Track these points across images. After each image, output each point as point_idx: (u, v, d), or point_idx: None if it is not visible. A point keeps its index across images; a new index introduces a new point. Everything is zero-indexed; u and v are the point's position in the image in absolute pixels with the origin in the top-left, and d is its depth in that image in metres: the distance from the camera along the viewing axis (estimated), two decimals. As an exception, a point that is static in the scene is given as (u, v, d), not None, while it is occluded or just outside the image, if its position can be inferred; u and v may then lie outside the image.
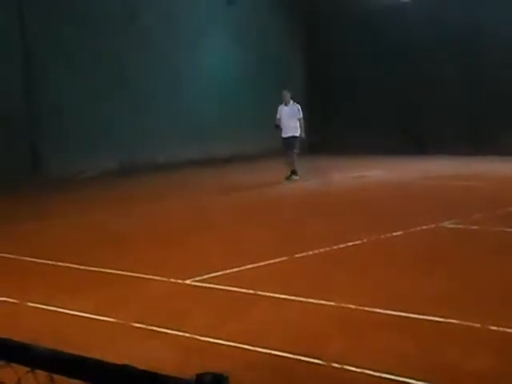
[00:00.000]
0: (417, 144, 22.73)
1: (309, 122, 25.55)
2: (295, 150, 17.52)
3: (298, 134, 17.51)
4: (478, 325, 6.31)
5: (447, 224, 11.24)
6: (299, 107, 17.66)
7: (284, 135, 17.66)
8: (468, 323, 6.36)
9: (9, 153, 18.62)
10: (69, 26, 19.90)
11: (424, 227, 11.04)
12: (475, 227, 10.99)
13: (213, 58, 23.05)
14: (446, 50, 22.65)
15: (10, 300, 7.87)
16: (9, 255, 10.29)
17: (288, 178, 17.42)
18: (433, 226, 11.14)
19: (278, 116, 17.65)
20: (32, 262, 9.81)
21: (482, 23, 21.76)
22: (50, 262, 9.67)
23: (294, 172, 17.55)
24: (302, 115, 17.60)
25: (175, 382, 1.46)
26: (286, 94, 17.76)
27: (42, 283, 8.69)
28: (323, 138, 24.62)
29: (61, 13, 19.77)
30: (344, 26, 24.75)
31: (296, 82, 25.56)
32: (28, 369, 1.69)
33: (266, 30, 24.49)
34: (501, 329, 6.20)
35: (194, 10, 22.72)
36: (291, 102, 17.73)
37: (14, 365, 1.73)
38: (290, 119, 17.53)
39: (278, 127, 17.67)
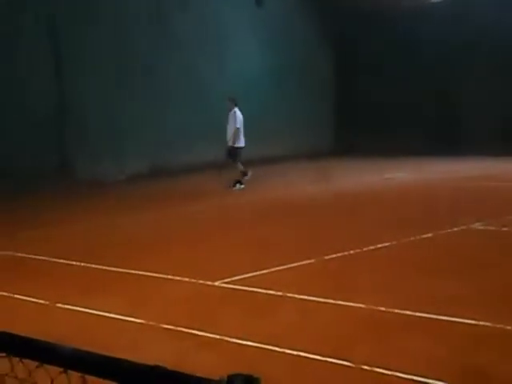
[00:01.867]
0: (443, 145, 22.54)
1: (336, 125, 25.67)
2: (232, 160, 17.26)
3: (231, 144, 17.26)
4: (509, 327, 6.24)
5: (477, 225, 11.13)
6: (235, 114, 17.20)
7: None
8: (500, 325, 6.29)
9: (37, 154, 18.78)
10: (98, 28, 20.04)
11: (454, 229, 10.95)
12: (506, 229, 10.87)
13: (240, 60, 23.09)
14: (475, 51, 22.46)
15: (39, 301, 7.93)
16: (36, 256, 10.37)
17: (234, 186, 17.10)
18: (463, 227, 11.05)
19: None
20: (59, 263, 9.88)
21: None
22: (76, 264, 9.73)
23: (238, 181, 17.20)
24: (237, 124, 17.14)
25: (206, 383, 1.45)
26: (228, 101, 17.36)
27: (72, 284, 8.74)
28: (353, 140, 24.56)
29: (89, 14, 19.92)
30: (372, 27, 24.66)
31: (323, 86, 25.56)
32: (61, 369, 1.69)
33: (294, 32, 24.48)
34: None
35: (222, 11, 22.77)
36: (234, 109, 17.29)
37: (46, 366, 1.74)
38: (229, 127, 17.34)
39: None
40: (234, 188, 17.02)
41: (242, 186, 17.05)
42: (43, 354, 1.76)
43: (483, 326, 6.34)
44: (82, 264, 9.69)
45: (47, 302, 7.87)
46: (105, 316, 7.23)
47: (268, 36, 23.84)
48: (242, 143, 17.23)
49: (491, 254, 9.54)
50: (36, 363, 1.76)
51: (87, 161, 19.79)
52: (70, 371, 1.66)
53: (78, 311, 7.47)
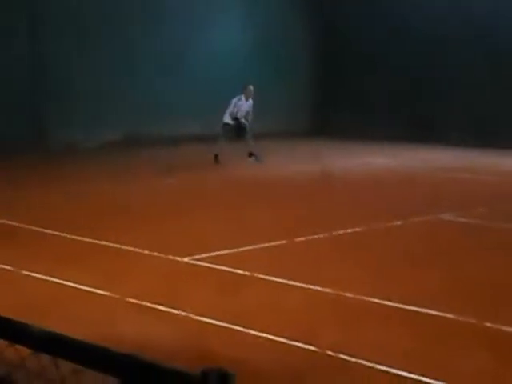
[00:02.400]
0: (422, 133, 22.63)
1: (313, 106, 25.63)
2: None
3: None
4: (474, 321, 6.32)
5: (449, 216, 11.23)
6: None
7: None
8: (464, 319, 6.37)
9: (13, 123, 18.57)
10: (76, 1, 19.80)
11: (425, 218, 11.04)
12: (477, 221, 10.98)
13: (224, 33, 22.91)
14: (461, 42, 22.47)
15: (8, 268, 7.88)
16: (11, 222, 10.29)
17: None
18: (434, 217, 11.14)
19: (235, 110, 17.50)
20: (34, 230, 9.81)
21: (502, 17, 21.62)
22: (49, 232, 9.67)
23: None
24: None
25: (180, 376, 1.44)
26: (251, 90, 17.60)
27: (42, 252, 8.70)
28: (332, 121, 24.54)
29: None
30: (362, 6, 24.55)
31: (303, 63, 25.48)
32: (31, 351, 1.68)
33: (281, 6, 24.32)
34: (496, 326, 6.21)
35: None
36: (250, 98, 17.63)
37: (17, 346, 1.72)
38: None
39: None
40: (250, 159, 17.53)
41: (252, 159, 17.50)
42: (13, 334, 1.74)
43: (449, 317, 6.41)
44: (54, 233, 9.63)
45: (16, 269, 7.81)
46: (73, 287, 7.20)
47: (252, 10, 23.68)
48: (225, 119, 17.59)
49: (459, 245, 9.63)
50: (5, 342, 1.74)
51: (61, 128, 19.59)
52: (42, 353, 1.65)
53: (47, 281, 7.43)
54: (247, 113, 17.55)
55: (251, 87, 17.58)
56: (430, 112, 23.21)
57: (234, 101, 17.45)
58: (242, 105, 17.46)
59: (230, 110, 17.44)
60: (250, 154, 17.69)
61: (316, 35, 25.54)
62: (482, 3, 22.03)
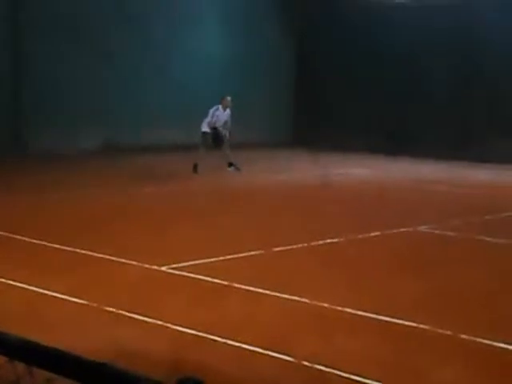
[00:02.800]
0: (401, 144, 22.79)
1: (296, 115, 25.73)
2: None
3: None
4: (449, 332, 6.37)
5: (424, 228, 11.30)
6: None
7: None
8: (440, 330, 6.41)
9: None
10: (62, 3, 19.73)
11: (401, 229, 11.11)
12: (452, 233, 11.06)
13: (202, 44, 22.96)
14: (436, 54, 22.71)
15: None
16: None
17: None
18: (410, 229, 11.21)
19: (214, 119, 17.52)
20: (9, 237, 9.74)
21: (474, 27, 21.86)
22: (26, 239, 9.61)
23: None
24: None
25: (155, 385, 1.45)
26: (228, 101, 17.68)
27: (17, 260, 8.63)
28: (308, 133, 24.67)
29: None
30: (336, 22, 24.74)
31: (286, 73, 25.58)
32: (6, 359, 1.68)
33: (258, 18, 24.42)
34: (471, 337, 6.26)
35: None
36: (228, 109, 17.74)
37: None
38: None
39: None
40: (230, 169, 17.66)
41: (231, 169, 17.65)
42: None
43: (424, 328, 6.45)
44: (30, 240, 9.57)
45: (-10, 277, 7.76)
46: (49, 295, 7.16)
47: (230, 22, 23.75)
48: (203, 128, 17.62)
49: (435, 257, 9.69)
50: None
51: (40, 134, 19.50)
52: (16, 361, 1.66)
53: (22, 288, 7.38)
54: (225, 122, 17.59)
55: (229, 98, 17.68)
56: (405, 124, 23.38)
57: (211, 111, 17.48)
58: (220, 115, 17.49)
59: (208, 119, 17.44)
60: (230, 164, 17.71)
61: (295, 47, 25.67)
62: (455, 18, 22.23)
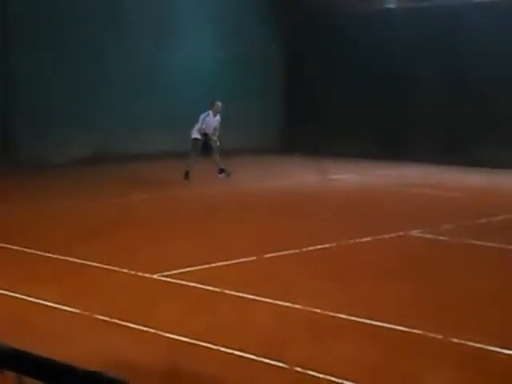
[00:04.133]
0: (390, 150, 22.86)
1: (285, 122, 25.77)
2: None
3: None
4: (440, 336, 6.37)
5: (416, 233, 11.33)
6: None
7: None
8: (431, 334, 6.42)
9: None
10: (51, 12, 19.72)
11: (393, 234, 11.12)
12: (443, 238, 11.08)
13: (193, 51, 22.97)
14: (425, 60, 22.80)
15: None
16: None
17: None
18: (401, 233, 11.23)
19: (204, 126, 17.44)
20: (-2, 246, 9.72)
21: (462, 34, 21.96)
22: (17, 248, 9.58)
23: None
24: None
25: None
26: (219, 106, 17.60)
27: (8, 269, 8.61)
28: (299, 139, 24.72)
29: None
30: (326, 27, 24.80)
31: (276, 80, 25.62)
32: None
33: (249, 25, 24.44)
34: (462, 341, 6.27)
35: (177, 1, 22.63)
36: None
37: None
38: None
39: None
40: (221, 175, 17.57)
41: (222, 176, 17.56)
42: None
43: (416, 333, 6.46)
44: (21, 249, 9.54)
45: (-19, 286, 7.73)
46: (40, 304, 7.14)
47: (221, 29, 23.77)
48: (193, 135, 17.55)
49: (427, 261, 9.71)
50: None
51: (29, 143, 19.45)
52: (6, 371, 1.65)
53: (13, 297, 7.36)
54: (215, 128, 17.48)
55: (219, 103, 17.55)
56: (394, 130, 23.44)
57: (202, 117, 17.38)
58: (210, 121, 17.38)
59: (198, 126, 17.36)
60: (221, 171, 17.65)
61: (287, 53, 25.71)
62: (441, 25, 22.33)
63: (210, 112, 17.41)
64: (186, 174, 17.08)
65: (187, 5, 22.88)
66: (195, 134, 17.41)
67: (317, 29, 25.03)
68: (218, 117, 17.53)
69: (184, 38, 22.78)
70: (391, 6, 23.82)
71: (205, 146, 17.36)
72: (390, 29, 23.28)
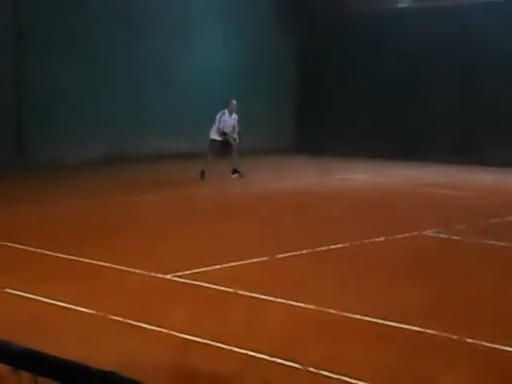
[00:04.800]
0: (402, 150, 22.80)
1: (297, 122, 25.76)
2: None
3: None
4: (455, 336, 6.34)
5: (429, 232, 11.28)
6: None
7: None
8: (446, 334, 6.39)
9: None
10: (64, 13, 19.80)
11: (406, 234, 11.08)
12: (457, 237, 11.04)
13: (205, 54, 23.00)
14: (437, 60, 22.73)
15: (-13, 285, 7.82)
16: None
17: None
18: (415, 233, 11.19)
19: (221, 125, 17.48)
20: (13, 247, 9.74)
21: (476, 34, 21.87)
22: (31, 249, 9.61)
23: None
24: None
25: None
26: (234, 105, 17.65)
27: (23, 270, 8.63)
28: (312, 139, 24.68)
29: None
30: (339, 28, 24.77)
31: (286, 80, 25.61)
32: (11, 368, 1.67)
33: (260, 28, 24.45)
34: (477, 341, 6.23)
35: (189, 4, 22.65)
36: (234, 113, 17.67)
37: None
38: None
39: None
40: (234, 175, 17.65)
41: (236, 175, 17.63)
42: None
43: (430, 333, 6.43)
44: (35, 249, 9.57)
45: (-4, 287, 7.76)
46: (54, 304, 7.16)
47: (233, 32, 23.78)
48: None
49: (441, 262, 9.67)
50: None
51: (43, 144, 19.52)
52: (21, 371, 1.65)
53: (28, 298, 7.38)
54: (233, 127, 17.53)
55: (234, 101, 17.60)
56: (407, 130, 23.38)
57: (218, 116, 17.42)
58: (226, 120, 17.41)
59: (216, 126, 17.39)
60: (234, 171, 17.67)
61: (299, 53, 25.69)
62: (454, 25, 22.22)
63: (226, 111, 17.47)
64: (202, 174, 17.08)
65: (199, 5, 22.90)
66: (213, 135, 17.44)
67: (329, 29, 25.01)
68: (234, 115, 17.57)
69: (196, 39, 22.80)
70: (404, 5, 23.75)
71: (224, 146, 17.40)
72: (403, 28, 23.22)
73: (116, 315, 6.78)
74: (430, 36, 22.70)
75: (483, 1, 22.15)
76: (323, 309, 7.07)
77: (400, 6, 23.84)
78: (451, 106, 22.60)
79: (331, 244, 10.15)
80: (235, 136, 17.56)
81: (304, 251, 9.72)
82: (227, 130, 17.38)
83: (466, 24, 22.07)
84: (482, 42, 21.80)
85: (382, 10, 23.92)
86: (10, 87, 19.07)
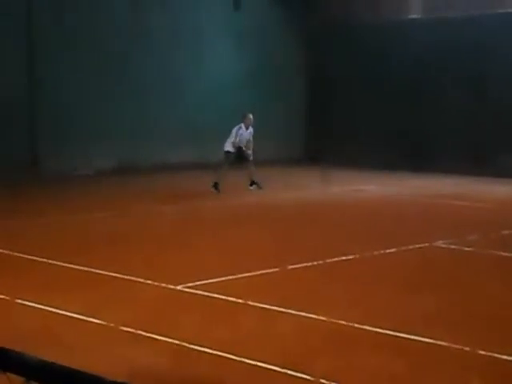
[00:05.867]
0: (415, 160, 22.74)
1: (308, 132, 25.76)
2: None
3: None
4: (467, 348, 6.32)
5: (441, 243, 11.25)
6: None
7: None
8: (457, 346, 6.36)
9: (7, 148, 18.57)
10: (74, 24, 19.91)
11: (417, 245, 11.05)
12: (469, 249, 11.00)
13: (215, 63, 23.07)
14: (449, 70, 22.70)
15: (0, 296, 7.85)
16: (2, 250, 10.25)
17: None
18: (426, 244, 11.16)
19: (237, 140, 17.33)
20: (25, 258, 9.78)
21: (488, 43, 21.83)
22: (43, 260, 9.64)
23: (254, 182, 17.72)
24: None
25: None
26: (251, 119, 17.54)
27: (34, 281, 8.66)
28: (322, 150, 24.69)
29: (68, 9, 19.82)
30: (350, 38, 24.77)
31: (296, 91, 25.64)
32: (23, 379, 1.69)
33: (271, 38, 24.51)
34: (489, 353, 6.20)
35: (200, 13, 22.73)
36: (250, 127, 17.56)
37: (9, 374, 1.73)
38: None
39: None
40: (252, 187, 17.62)
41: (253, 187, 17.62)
42: (6, 362, 1.75)
43: (442, 345, 6.40)
44: (46, 260, 9.60)
45: (7, 298, 7.79)
46: (65, 315, 7.18)
47: (244, 41, 23.85)
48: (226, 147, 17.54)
49: (452, 273, 9.64)
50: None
51: (55, 154, 19.60)
52: (34, 382, 1.66)
53: (39, 309, 7.40)
54: (248, 141, 17.49)
55: (251, 116, 17.54)
56: (422, 140, 23.33)
57: (234, 130, 17.36)
58: (243, 134, 17.38)
59: (231, 139, 17.32)
60: (252, 183, 17.66)
61: (310, 64, 25.72)
62: (468, 34, 22.21)
63: (243, 125, 17.41)
64: (216, 186, 16.99)
65: (211, 18, 22.97)
66: (228, 147, 17.37)
67: (340, 40, 25.02)
68: (250, 129, 17.55)
69: (208, 51, 22.87)
70: (416, 16, 23.75)
71: (239, 157, 17.36)
72: (414, 39, 23.18)
73: (127, 326, 6.79)
74: (443, 47, 22.64)
75: (495, 12, 22.11)
76: (334, 320, 7.06)
77: (412, 16, 23.84)
78: (464, 116, 22.51)
79: (342, 255, 10.14)
80: (250, 152, 17.52)
81: (315, 262, 9.71)
82: (242, 143, 17.34)
83: (479, 34, 22.03)
84: (494, 53, 21.74)
85: (394, 21, 23.92)
86: (22, 99, 19.17)
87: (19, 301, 7.65)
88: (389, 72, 23.83)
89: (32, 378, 1.66)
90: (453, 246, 11.11)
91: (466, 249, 11.00)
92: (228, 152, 17.34)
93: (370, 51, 24.21)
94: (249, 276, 8.92)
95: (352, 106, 24.66)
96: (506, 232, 12.54)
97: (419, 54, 23.12)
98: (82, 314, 7.15)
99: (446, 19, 22.78)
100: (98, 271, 9.00)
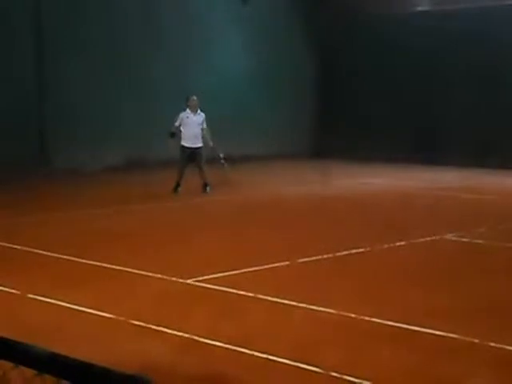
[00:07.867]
0: (424, 153, 22.68)
1: (319, 126, 25.71)
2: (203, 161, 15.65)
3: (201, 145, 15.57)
4: (477, 340, 6.29)
5: (451, 236, 11.21)
6: (204, 116, 15.70)
7: (190, 145, 15.55)
8: (468, 338, 6.34)
9: (19, 147, 18.59)
10: (84, 21, 19.90)
11: (428, 238, 11.02)
12: (479, 241, 10.96)
13: (225, 58, 23.03)
14: (458, 62, 22.60)
15: (11, 291, 7.88)
16: (12, 245, 10.28)
17: (204, 191, 15.76)
18: (437, 237, 11.12)
19: (177, 123, 15.47)
20: (35, 253, 9.80)
21: (498, 35, 21.72)
22: (52, 255, 9.66)
23: (206, 184, 15.80)
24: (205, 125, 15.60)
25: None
26: (195, 100, 15.51)
27: (44, 275, 8.68)
28: (332, 143, 24.64)
29: (77, 8, 19.82)
30: (359, 31, 24.71)
31: (308, 85, 25.59)
32: (35, 372, 1.68)
33: (278, 33, 24.45)
34: (499, 345, 6.18)
35: (209, 9, 22.69)
36: (198, 110, 15.63)
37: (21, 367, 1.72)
38: (197, 128, 15.50)
39: (175, 135, 15.58)
40: (207, 191, 15.82)
41: (209, 189, 15.81)
42: (17, 355, 1.74)
43: (452, 337, 6.38)
44: (56, 255, 9.62)
45: (18, 292, 7.81)
46: (75, 309, 7.19)
47: (253, 36, 23.80)
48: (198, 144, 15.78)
49: (463, 265, 9.61)
50: (11, 364, 1.74)
51: (64, 151, 19.61)
52: (46, 375, 1.65)
53: (50, 303, 7.42)
54: (201, 129, 15.44)
55: (194, 97, 15.49)
56: (431, 133, 23.26)
57: (180, 116, 15.49)
58: (190, 121, 15.28)
59: (174, 125, 15.45)
60: (205, 184, 15.80)
61: (318, 57, 25.67)
62: (476, 25, 22.09)
63: (188, 110, 15.56)
64: (176, 188, 15.66)
65: (220, 15, 22.91)
66: (183, 142, 15.66)
67: (349, 34, 24.96)
68: (201, 114, 15.53)
69: (215, 48, 22.81)
70: (425, 8, 23.66)
71: (192, 154, 15.62)
72: (423, 31, 23.08)
73: (137, 319, 6.80)
74: (451, 39, 22.52)
75: (503, 3, 22.00)
76: (345, 313, 7.04)
77: (420, 8, 23.74)
78: (473, 109, 22.43)
79: (352, 248, 10.12)
80: (211, 143, 15.49)
81: (325, 256, 9.69)
82: (199, 135, 15.43)
83: (487, 26, 21.92)
84: (503, 45, 21.66)
85: (402, 14, 23.82)
86: (32, 97, 19.19)
87: (30, 295, 7.67)
88: (398, 65, 23.76)
89: (44, 370, 1.66)
90: (463, 239, 11.08)
91: (476, 241, 10.96)
92: (183, 147, 15.57)
93: (379, 45, 24.14)
94: (259, 269, 8.91)
95: (361, 100, 24.59)
96: (516, 224, 12.49)
97: (429, 46, 23.01)
98: (92, 308, 7.16)
99: (455, 11, 22.68)
100: (107, 265, 9.01)
